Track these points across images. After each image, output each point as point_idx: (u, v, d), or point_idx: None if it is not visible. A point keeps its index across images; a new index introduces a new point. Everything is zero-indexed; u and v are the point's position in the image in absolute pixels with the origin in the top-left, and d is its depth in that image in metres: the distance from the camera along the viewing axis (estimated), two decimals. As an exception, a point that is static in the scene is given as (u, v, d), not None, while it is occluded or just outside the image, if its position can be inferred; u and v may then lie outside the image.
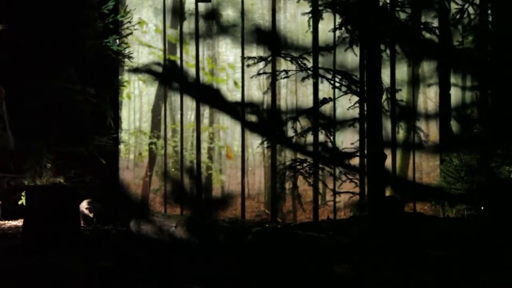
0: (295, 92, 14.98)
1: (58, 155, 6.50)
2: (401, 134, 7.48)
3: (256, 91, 14.93)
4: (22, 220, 6.29)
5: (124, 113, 15.35)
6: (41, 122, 6.24)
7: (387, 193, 6.37)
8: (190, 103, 13.47)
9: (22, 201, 6.59)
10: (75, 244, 5.52)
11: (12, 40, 6.24)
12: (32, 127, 6.24)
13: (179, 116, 7.17)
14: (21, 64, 6.17)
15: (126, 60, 7.09)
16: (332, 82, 6.21)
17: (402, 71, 10.53)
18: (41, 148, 6.39)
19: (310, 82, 6.67)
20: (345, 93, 6.21)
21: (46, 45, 6.22)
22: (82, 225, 6.46)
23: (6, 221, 6.81)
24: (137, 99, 17.07)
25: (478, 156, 6.25)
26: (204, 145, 13.86)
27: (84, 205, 6.61)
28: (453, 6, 7.16)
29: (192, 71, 8.69)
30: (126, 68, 7.53)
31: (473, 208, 6.19)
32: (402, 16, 6.15)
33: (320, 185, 7.07)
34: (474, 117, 6.55)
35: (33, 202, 5.69)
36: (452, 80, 7.81)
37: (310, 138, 6.34)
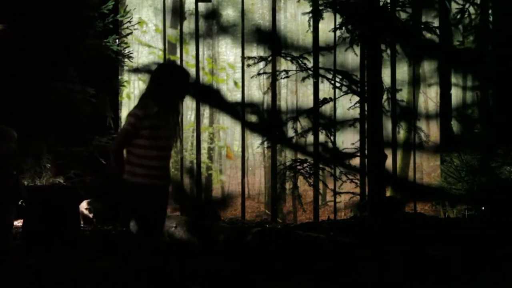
0: (296, 92, 14.98)
1: (57, 155, 6.49)
2: (401, 134, 7.47)
3: (256, 91, 14.93)
4: (21, 220, 6.27)
5: (124, 113, 15.32)
6: (40, 122, 6.23)
7: (388, 193, 6.36)
8: (190, 103, 13.47)
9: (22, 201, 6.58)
10: (75, 244, 5.51)
11: (11, 40, 6.23)
12: (31, 127, 6.23)
13: (179, 116, 7.15)
14: (21, 64, 6.16)
15: (126, 60, 7.08)
16: (332, 82, 6.20)
17: (403, 71, 10.54)
18: (40, 148, 6.38)
19: (310, 82, 6.66)
20: (346, 93, 6.20)
21: (46, 45, 6.21)
22: (82, 225, 6.45)
23: (6, 222, 6.79)
24: (137, 99, 17.05)
25: (479, 156, 6.24)
26: (204, 145, 13.86)
27: (84, 206, 6.59)
28: (454, 6, 7.15)
29: (192, 71, 8.68)
30: (126, 68, 7.52)
31: (474, 209, 6.18)
32: (403, 16, 6.14)
33: (321, 186, 7.06)
34: (475, 117, 6.54)
35: (33, 202, 5.68)
36: (453, 80, 7.80)
37: (310, 138, 6.33)
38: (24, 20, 6.28)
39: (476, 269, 4.09)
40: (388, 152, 6.15)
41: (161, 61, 9.15)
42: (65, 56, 6.43)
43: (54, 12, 6.35)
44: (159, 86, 3.41)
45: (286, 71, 6.29)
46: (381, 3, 5.96)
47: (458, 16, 7.03)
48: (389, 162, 6.16)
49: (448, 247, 4.51)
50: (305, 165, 6.08)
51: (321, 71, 6.43)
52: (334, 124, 6.30)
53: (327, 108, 6.88)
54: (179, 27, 7.53)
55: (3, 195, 3.92)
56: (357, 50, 6.25)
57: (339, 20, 6.28)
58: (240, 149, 8.33)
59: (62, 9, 6.40)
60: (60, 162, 6.50)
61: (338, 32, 6.39)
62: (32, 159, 6.36)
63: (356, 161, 6.20)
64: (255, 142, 12.83)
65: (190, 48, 11.37)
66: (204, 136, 13.96)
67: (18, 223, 6.63)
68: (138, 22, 8.17)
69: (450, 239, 4.89)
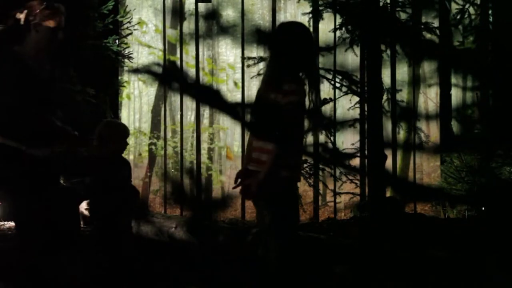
0: (295, 93, 14.97)
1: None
2: (401, 134, 7.47)
3: (256, 91, 14.94)
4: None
5: (124, 114, 15.36)
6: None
7: (388, 194, 6.35)
8: (190, 104, 13.48)
9: (22, 202, 6.57)
10: (75, 245, 5.50)
11: (10, 40, 6.22)
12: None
13: (179, 116, 7.16)
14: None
15: (126, 60, 7.07)
16: (332, 82, 6.20)
17: (403, 71, 10.54)
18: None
19: (310, 82, 6.64)
20: (346, 93, 6.20)
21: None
22: (81, 226, 6.44)
23: (6, 222, 6.79)
24: (137, 99, 17.05)
25: (479, 156, 6.24)
26: (204, 146, 13.85)
27: (83, 206, 6.58)
28: (454, 6, 7.14)
29: (192, 71, 8.69)
30: (126, 68, 7.51)
31: (474, 209, 6.18)
32: (403, 16, 6.14)
33: (321, 186, 7.06)
34: (475, 118, 6.52)
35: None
36: (453, 80, 7.79)
37: (310, 138, 6.32)
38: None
39: (477, 270, 4.08)
40: (388, 153, 6.14)
41: (161, 61, 9.12)
42: (64, 56, 6.42)
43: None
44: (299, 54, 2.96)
45: (286, 72, 6.27)
46: (381, 4, 5.96)
47: (458, 17, 7.03)
48: (389, 163, 6.16)
49: (448, 248, 4.51)
50: (305, 165, 6.07)
51: (321, 72, 6.42)
52: (334, 125, 6.29)
53: (327, 108, 6.87)
54: (179, 28, 7.53)
55: (121, 196, 3.87)
56: (357, 50, 6.25)
57: (339, 20, 6.28)
58: (240, 150, 8.32)
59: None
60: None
61: (338, 33, 6.39)
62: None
63: (356, 162, 6.20)
64: (255, 143, 12.81)
65: (190, 49, 11.37)
66: (204, 136, 13.95)
67: (18, 223, 6.63)
68: (138, 23, 8.17)
69: (450, 240, 4.89)
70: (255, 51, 9.85)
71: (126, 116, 16.87)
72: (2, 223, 6.78)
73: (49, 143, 3.62)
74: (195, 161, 7.81)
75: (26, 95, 3.45)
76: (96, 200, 3.99)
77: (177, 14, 9.22)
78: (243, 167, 3.41)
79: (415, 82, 9.01)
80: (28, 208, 3.61)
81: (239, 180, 3.32)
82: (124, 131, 4.06)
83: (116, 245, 3.95)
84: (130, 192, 3.99)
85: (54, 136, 3.65)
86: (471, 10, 7.14)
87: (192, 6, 8.62)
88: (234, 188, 3.34)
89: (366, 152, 6.00)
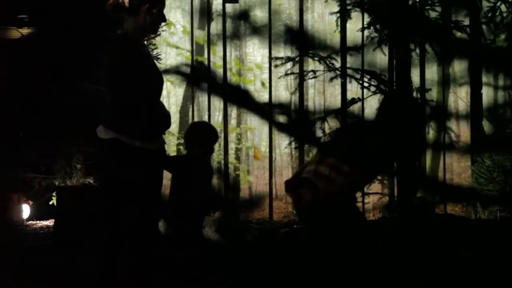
0: (323, 92, 14.91)
1: (87, 156, 6.57)
2: (431, 134, 7.37)
3: (283, 91, 14.90)
4: (53, 220, 6.36)
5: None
6: (70, 123, 6.31)
7: (417, 194, 6.28)
8: (217, 104, 13.51)
9: (53, 201, 6.68)
10: (106, 244, 5.55)
11: (41, 42, 6.33)
12: (62, 129, 6.32)
13: (206, 117, 7.19)
14: (51, 66, 6.25)
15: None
16: (360, 82, 6.16)
17: (432, 70, 10.40)
18: (71, 149, 6.46)
19: (338, 82, 6.61)
20: (374, 93, 6.15)
21: (74, 47, 6.29)
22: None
23: (38, 221, 6.90)
24: (165, 100, 17.14)
25: (511, 156, 6.13)
26: (232, 146, 13.87)
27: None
28: (485, 4, 7.02)
29: (219, 71, 8.70)
30: (154, 69, 7.56)
31: (506, 210, 6.07)
32: (432, 14, 6.07)
33: (349, 186, 7.00)
34: (506, 117, 6.42)
35: (64, 202, 5.76)
36: (484, 79, 7.66)
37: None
38: (53, 22, 6.37)
39: (508, 271, 4.02)
40: (418, 153, 6.08)
41: (189, 62, 9.17)
42: (93, 57, 6.49)
43: (82, 14, 6.43)
44: None
45: (314, 72, 6.26)
46: (410, 2, 5.90)
47: (489, 14, 6.91)
48: (418, 163, 6.08)
49: (480, 249, 4.44)
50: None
51: (349, 71, 6.38)
52: (362, 125, 6.25)
53: (355, 108, 6.83)
54: (206, 28, 7.57)
55: (197, 201, 3.74)
56: (386, 49, 6.19)
57: (367, 19, 6.24)
58: (267, 150, 8.31)
59: (90, 11, 6.48)
60: (90, 162, 6.58)
61: (366, 32, 6.35)
62: (62, 160, 6.46)
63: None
64: (283, 143, 12.80)
65: (218, 49, 11.39)
66: (232, 136, 13.97)
67: (49, 223, 6.74)
68: (166, 24, 8.21)
69: (482, 241, 4.82)
70: (282, 51, 9.83)
71: (155, 116, 16.98)
72: (34, 222, 6.90)
73: (161, 133, 3.46)
74: (222, 161, 7.83)
75: (144, 84, 3.20)
76: (176, 200, 3.90)
77: (205, 15, 9.27)
78: (296, 175, 3.51)
79: (445, 81, 8.89)
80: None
81: (292, 187, 3.43)
82: (211, 135, 3.80)
83: (186, 245, 3.92)
84: (208, 198, 3.87)
85: (165, 125, 3.48)
86: (503, 7, 7.00)
87: (220, 7, 8.65)
88: (287, 192, 3.51)
89: (395, 152, 5.94)
